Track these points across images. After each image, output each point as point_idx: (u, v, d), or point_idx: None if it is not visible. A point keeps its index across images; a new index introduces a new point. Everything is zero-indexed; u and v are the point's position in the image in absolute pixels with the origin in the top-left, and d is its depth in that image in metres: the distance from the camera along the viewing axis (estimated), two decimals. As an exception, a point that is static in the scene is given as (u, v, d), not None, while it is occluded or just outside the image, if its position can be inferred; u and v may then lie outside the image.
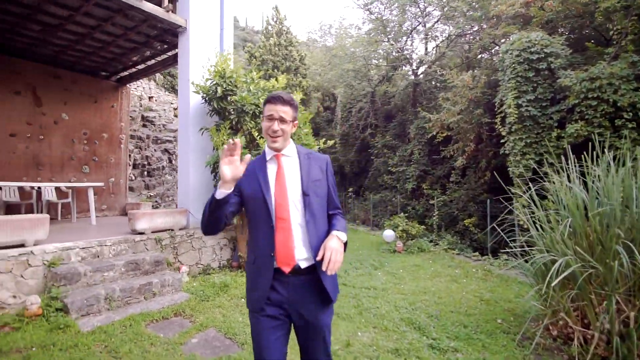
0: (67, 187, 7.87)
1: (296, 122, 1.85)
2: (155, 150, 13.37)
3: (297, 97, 6.12)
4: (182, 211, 6.22)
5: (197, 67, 6.11)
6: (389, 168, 14.42)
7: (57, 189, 8.03)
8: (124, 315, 4.03)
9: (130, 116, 12.94)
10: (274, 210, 1.72)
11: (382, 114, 16.45)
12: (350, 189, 16.75)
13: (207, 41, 6.34)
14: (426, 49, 15.19)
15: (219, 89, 5.60)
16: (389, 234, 8.85)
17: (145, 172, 12.83)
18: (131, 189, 11.98)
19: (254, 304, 1.75)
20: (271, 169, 1.80)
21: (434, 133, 10.87)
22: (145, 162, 12.92)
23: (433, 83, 14.40)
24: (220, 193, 1.58)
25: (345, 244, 1.73)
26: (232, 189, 1.63)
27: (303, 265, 1.74)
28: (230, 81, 5.69)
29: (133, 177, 12.32)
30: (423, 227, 9.01)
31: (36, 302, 3.93)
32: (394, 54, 15.26)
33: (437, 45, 14.96)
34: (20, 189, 7.57)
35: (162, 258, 5.32)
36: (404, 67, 15.84)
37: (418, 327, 4.06)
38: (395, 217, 9.40)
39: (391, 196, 14.02)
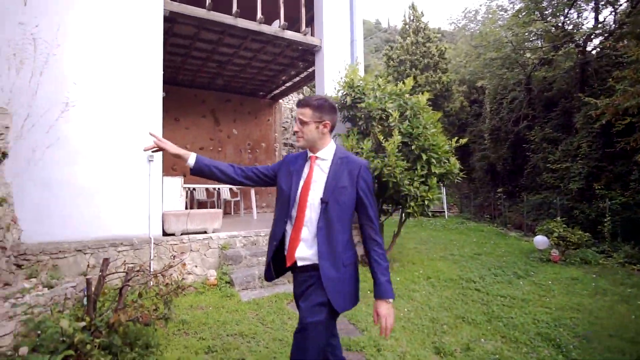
0: (237, 188, 9.80)
1: (325, 122, 1.89)
2: (303, 155, 15.04)
3: (423, 98, 6.13)
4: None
5: (330, 80, 6.80)
6: (550, 165, 12.45)
7: (231, 189, 10.08)
8: (271, 293, 4.92)
9: (283, 127, 15.01)
10: (295, 208, 1.88)
11: (541, 102, 14.30)
12: (501, 190, 15.16)
13: (338, 56, 6.99)
14: (597, 19, 12.48)
15: (348, 98, 6.13)
16: (540, 240, 7.78)
17: (296, 175, 14.61)
18: (284, 189, 13.90)
19: (265, 275, 2.07)
20: (305, 170, 1.94)
21: (608, 120, 8.92)
22: (296, 166, 14.71)
23: (607, 60, 11.75)
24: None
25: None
26: (189, 158, 1.99)
27: (300, 263, 1.85)
28: (359, 89, 6.15)
29: (286, 180, 14.26)
30: (588, 234, 7.57)
31: (213, 275, 5.20)
32: (552, 31, 13.11)
33: (614, 12, 12.13)
34: (207, 189, 9.83)
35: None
36: (567, 45, 13.44)
37: (557, 344, 3.62)
38: (550, 221, 8.18)
39: (552, 197, 12.08)
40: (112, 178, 5.00)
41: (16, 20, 4.53)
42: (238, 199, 9.82)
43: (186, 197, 8.92)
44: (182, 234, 5.50)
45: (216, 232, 5.84)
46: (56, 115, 4.71)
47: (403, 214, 6.34)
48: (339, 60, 6.89)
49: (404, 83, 6.35)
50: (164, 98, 5.61)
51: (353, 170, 1.88)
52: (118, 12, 5.16)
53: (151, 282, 3.66)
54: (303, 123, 1.89)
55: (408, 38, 17.07)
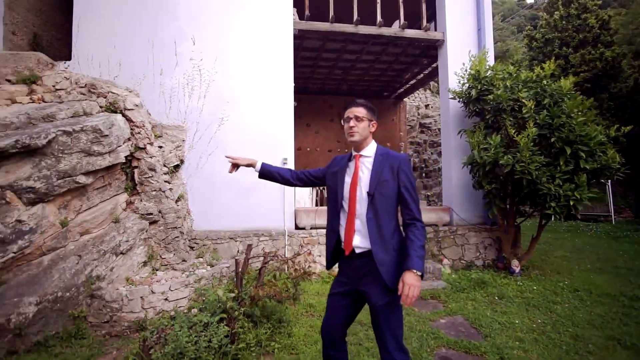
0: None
1: (374, 122, 2.15)
2: (431, 153, 14.54)
3: (567, 82, 5.31)
4: (445, 209, 6.77)
5: (454, 74, 6.50)
6: None
7: (356, 189, 10.56)
8: (390, 289, 5.05)
9: (409, 125, 14.80)
10: (347, 204, 2.07)
11: None
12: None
13: (462, 47, 6.61)
14: None
15: (474, 92, 5.76)
16: None
17: (424, 174, 14.22)
18: (411, 189, 13.68)
19: (327, 266, 2.26)
20: (350, 168, 2.14)
21: None
22: (423, 165, 14.32)
23: None
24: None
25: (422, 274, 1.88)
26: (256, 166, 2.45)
27: (357, 250, 2.03)
28: (486, 81, 5.72)
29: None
30: None
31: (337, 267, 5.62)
32: None
33: None
34: (335, 189, 10.53)
35: (426, 249, 6.06)
36: None
37: None
38: None
39: None
40: (256, 179, 5.93)
41: (188, 56, 5.84)
42: (363, 197, 10.21)
43: (317, 195, 9.77)
44: (311, 228, 6.12)
45: (340, 228, 6.27)
46: (215, 128, 5.86)
47: (542, 217, 5.60)
48: (464, 52, 6.51)
49: (542, 68, 5.61)
50: (296, 106, 6.34)
51: (393, 164, 2.05)
52: (257, 40, 6.09)
53: (285, 267, 4.24)
54: (359, 119, 2.10)
55: (556, 12, 14.60)
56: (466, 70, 6.05)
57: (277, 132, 6.06)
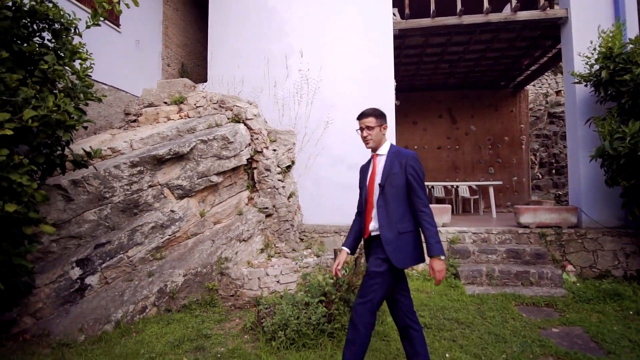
0: (476, 186, 9.56)
1: (385, 125, 2.51)
2: (563, 147, 12.65)
3: None
4: (570, 209, 5.95)
5: (578, 54, 5.66)
6: None
7: (470, 187, 9.94)
8: (498, 291, 4.74)
9: (535, 116, 13.15)
10: (367, 195, 2.49)
11: None
12: None
13: (590, 24, 5.69)
14: None
15: (604, 73, 4.95)
16: None
17: (553, 171, 12.47)
18: (538, 187, 12.14)
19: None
20: (370, 165, 2.56)
21: None
22: (553, 160, 12.56)
23: None
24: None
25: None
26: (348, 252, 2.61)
27: (372, 234, 2.45)
28: (622, 58, 4.86)
29: (540, 176, 12.42)
30: None
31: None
32: None
33: None
34: (445, 187, 10.12)
35: (544, 252, 5.46)
36: None
37: None
38: None
39: None
40: (357, 177, 6.23)
41: (297, 68, 6.50)
42: (477, 197, 9.55)
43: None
44: (413, 226, 6.12)
45: (445, 227, 6.11)
46: (321, 131, 6.38)
47: None
48: (591, 29, 5.60)
49: None
50: (402, 104, 6.44)
51: (402, 160, 2.38)
52: (357, 44, 6.40)
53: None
54: (370, 128, 2.47)
55: None
56: (595, 49, 5.23)
57: (378, 131, 6.25)
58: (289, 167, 6.38)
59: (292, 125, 6.51)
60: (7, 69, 2.92)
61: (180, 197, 4.92)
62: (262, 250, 5.40)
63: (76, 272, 3.97)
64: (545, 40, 7.47)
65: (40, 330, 3.61)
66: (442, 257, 2.19)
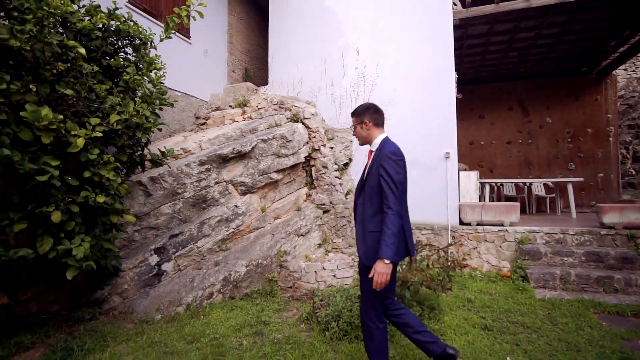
0: (552, 183, 8.74)
1: (365, 121, 2.53)
2: (664, 138, 11.01)
3: None
4: (668, 207, 5.19)
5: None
6: None
7: (545, 185, 9.10)
8: (574, 297, 4.32)
9: (626, 104, 11.61)
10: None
11: None
12: None
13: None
14: None
15: None
16: None
17: (651, 166, 10.91)
18: (631, 184, 10.71)
19: None
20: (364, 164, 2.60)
21: None
22: (650, 154, 10.99)
23: None
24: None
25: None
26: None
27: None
28: None
29: (633, 172, 10.93)
30: None
31: (507, 267, 5.18)
32: None
33: None
34: (516, 185, 9.39)
35: (633, 256, 4.84)
36: None
37: None
38: None
39: None
40: (419, 173, 6.09)
41: (353, 66, 6.55)
42: (553, 195, 8.72)
43: (492, 192, 9.00)
44: (477, 225, 5.81)
45: (513, 226, 5.70)
46: (377, 128, 6.34)
47: None
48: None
49: None
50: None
51: (379, 158, 2.34)
52: (413, 38, 6.25)
53: (438, 258, 4.29)
54: (354, 128, 2.62)
55: None
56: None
57: (439, 126, 6.04)
58: (346, 165, 6.45)
59: (349, 123, 6.56)
60: (98, 81, 3.41)
61: (243, 193, 5.25)
62: (319, 245, 5.54)
63: (154, 259, 4.45)
64: (635, 17, 6.58)
65: (125, 308, 4.12)
66: (387, 261, 2.11)
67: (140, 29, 3.68)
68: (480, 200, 7.06)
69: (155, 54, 3.88)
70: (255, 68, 8.19)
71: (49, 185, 2.75)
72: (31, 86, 2.51)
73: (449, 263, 3.89)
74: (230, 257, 4.80)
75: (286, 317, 4.04)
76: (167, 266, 4.55)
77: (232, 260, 4.71)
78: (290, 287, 4.80)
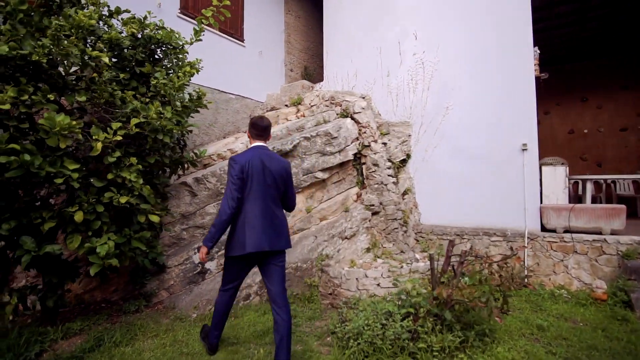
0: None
1: (248, 133, 2.97)
2: None
3: None
4: None
5: None
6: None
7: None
8: (702, 336, 3.15)
9: None
10: None
11: None
12: None
13: None
14: None
15: None
16: None
17: None
18: None
19: None
20: None
21: None
22: None
23: None
24: None
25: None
26: None
27: None
28: None
29: None
30: None
31: (602, 288, 4.07)
32: None
33: None
34: (635, 182, 7.51)
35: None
36: None
37: None
38: None
39: None
40: (487, 169, 5.22)
41: (411, 52, 5.92)
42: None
43: (598, 191, 7.33)
44: (564, 232, 4.73)
45: (616, 235, 4.49)
46: (439, 119, 5.63)
47: None
48: None
49: None
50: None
51: None
52: (481, 14, 5.35)
53: (491, 273, 3.55)
54: None
55: None
56: None
57: (514, 113, 5.08)
58: (403, 162, 5.88)
59: (407, 115, 5.97)
60: (132, 88, 3.60)
61: (288, 193, 5.11)
62: (368, 250, 5.12)
63: (197, 257, 4.59)
64: None
65: (171, 303, 4.32)
66: (205, 245, 2.75)
67: (170, 34, 3.77)
68: (581, 202, 5.79)
69: (197, 58, 3.97)
70: (315, 65, 8.04)
71: (74, 187, 2.95)
72: (49, 96, 2.69)
73: (506, 279, 3.15)
74: (271, 258, 4.70)
75: (317, 327, 3.77)
76: (210, 265, 4.65)
77: (271, 262, 4.60)
78: (330, 294, 4.51)
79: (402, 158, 5.79)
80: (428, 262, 4.75)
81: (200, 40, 3.91)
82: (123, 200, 3.11)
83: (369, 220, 5.21)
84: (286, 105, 6.79)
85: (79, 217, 2.91)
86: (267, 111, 6.66)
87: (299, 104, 6.59)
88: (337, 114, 5.76)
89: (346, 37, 6.64)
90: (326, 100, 6.07)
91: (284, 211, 2.97)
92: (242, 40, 6.43)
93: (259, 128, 2.85)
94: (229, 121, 6.17)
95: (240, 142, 5.46)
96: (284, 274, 2.86)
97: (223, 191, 4.87)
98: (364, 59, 6.40)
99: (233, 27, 6.27)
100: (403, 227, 5.14)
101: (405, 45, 5.99)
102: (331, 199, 5.39)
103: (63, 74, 2.89)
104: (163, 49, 3.82)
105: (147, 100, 3.41)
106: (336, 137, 5.19)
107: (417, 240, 5.55)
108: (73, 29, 3.00)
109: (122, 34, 3.46)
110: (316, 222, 5.19)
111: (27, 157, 2.57)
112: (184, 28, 5.44)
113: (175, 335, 3.46)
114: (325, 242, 4.83)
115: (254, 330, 3.60)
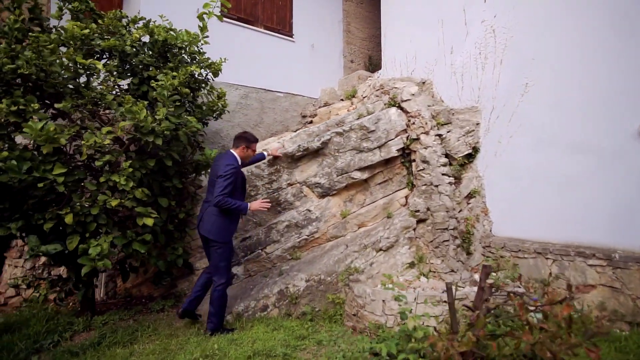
0: None
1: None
2: None
3: None
4: None
5: None
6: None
7: None
8: None
9: None
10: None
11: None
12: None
13: None
14: None
15: None
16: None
17: None
18: None
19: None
20: None
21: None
22: None
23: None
24: None
25: None
26: None
27: None
28: None
29: None
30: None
31: None
32: None
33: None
34: None
35: None
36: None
37: None
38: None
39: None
40: (585, 164, 3.76)
41: (479, 19, 4.72)
42: None
43: None
44: None
45: None
46: (516, 100, 4.32)
47: None
48: None
49: None
50: None
51: None
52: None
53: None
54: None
55: None
56: None
57: (626, 86, 3.51)
58: (469, 157, 4.74)
59: (474, 99, 4.79)
60: (143, 92, 3.67)
61: (322, 196, 4.62)
62: (411, 265, 4.23)
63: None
64: None
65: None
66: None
67: (176, 34, 3.73)
68: None
69: (221, 58, 3.93)
70: (379, 53, 7.24)
71: (70, 190, 3.09)
72: (33, 105, 2.85)
73: (554, 337, 2.04)
74: (295, 267, 4.29)
75: (321, 355, 3.20)
76: (237, 269, 4.50)
77: (293, 272, 4.19)
78: (354, 315, 3.84)
79: (466, 152, 4.66)
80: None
81: (208, 43, 3.79)
82: (114, 203, 3.14)
83: (413, 230, 4.31)
84: (342, 100, 6.27)
85: (69, 219, 3.03)
86: (320, 107, 6.24)
87: (353, 96, 5.99)
88: (384, 104, 4.98)
89: (404, 12, 5.73)
90: (377, 90, 5.34)
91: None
92: (291, 35, 6.16)
93: (235, 138, 3.69)
94: (277, 121, 5.97)
95: (277, 142, 5.18)
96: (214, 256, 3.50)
97: (252, 193, 4.68)
98: (424, 37, 5.41)
99: (280, 23, 6.05)
100: (456, 239, 4.08)
101: (472, 12, 4.81)
102: (374, 202, 4.67)
103: (54, 83, 3.04)
104: (174, 51, 3.79)
105: (145, 103, 3.39)
106: (374, 131, 4.46)
107: (486, 256, 4.37)
108: (71, 40, 3.15)
109: (124, 41, 3.53)
110: (353, 229, 4.56)
111: (13, 163, 2.76)
112: (227, 30, 5.48)
113: (173, 343, 3.34)
114: (355, 252, 4.17)
115: (249, 349, 3.23)
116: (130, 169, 3.22)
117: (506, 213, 4.40)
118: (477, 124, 4.71)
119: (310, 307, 3.96)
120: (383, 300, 3.63)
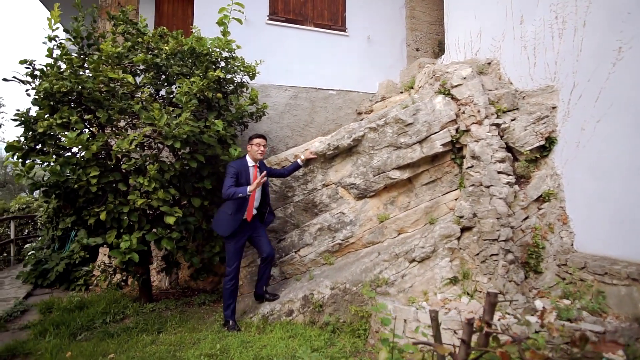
0: None
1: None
2: None
3: None
4: None
5: None
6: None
7: None
8: None
9: None
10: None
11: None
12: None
13: None
14: None
15: None
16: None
17: None
18: None
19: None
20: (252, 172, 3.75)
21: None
22: None
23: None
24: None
25: None
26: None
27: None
28: None
29: None
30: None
31: None
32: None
33: None
34: None
35: None
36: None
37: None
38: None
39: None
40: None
41: (555, -25, 3.70)
42: None
43: None
44: None
45: None
46: (605, 72, 3.24)
47: None
48: None
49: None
50: None
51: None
52: None
53: None
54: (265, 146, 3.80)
55: None
56: None
57: None
58: (542, 150, 3.76)
59: (550, 77, 3.78)
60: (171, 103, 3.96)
61: (358, 198, 4.27)
62: (452, 281, 3.54)
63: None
64: None
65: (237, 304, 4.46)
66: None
67: (205, 43, 3.90)
68: None
69: (256, 61, 4.09)
70: (450, 36, 6.35)
71: (105, 191, 3.52)
72: (72, 118, 3.32)
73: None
74: (324, 273, 4.05)
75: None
76: (274, 271, 4.48)
77: (321, 279, 3.95)
78: (377, 332, 3.40)
79: (536, 144, 3.70)
80: (544, 319, 2.87)
81: (232, 50, 3.89)
82: (139, 202, 3.44)
83: (457, 239, 3.59)
84: (400, 93, 5.73)
85: (102, 216, 3.43)
86: (377, 102, 5.80)
87: (412, 88, 5.41)
88: (434, 92, 4.33)
89: (467, -13, 4.90)
90: (430, 78, 4.69)
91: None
92: (344, 30, 5.87)
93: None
94: (329, 119, 5.76)
95: (319, 141, 4.99)
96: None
97: (288, 195, 4.63)
98: (489, 9, 4.53)
99: (332, 19, 5.82)
100: (508, 253, 3.24)
101: (546, -33, 3.81)
102: (419, 206, 4.09)
103: (91, 97, 3.48)
104: (200, 58, 3.99)
105: (170, 109, 3.64)
106: (411, 124, 3.91)
107: (562, 277, 3.39)
108: (108, 58, 3.59)
109: (157, 54, 3.85)
110: (392, 235, 4.09)
111: (56, 167, 3.26)
112: (275, 33, 5.54)
113: (191, 338, 3.49)
114: (385, 262, 3.70)
115: (253, 354, 3.15)
116: (153, 172, 3.47)
117: (590, 222, 3.33)
118: (553, 107, 3.70)
119: (334, 318, 3.67)
120: (405, 320, 3.13)
